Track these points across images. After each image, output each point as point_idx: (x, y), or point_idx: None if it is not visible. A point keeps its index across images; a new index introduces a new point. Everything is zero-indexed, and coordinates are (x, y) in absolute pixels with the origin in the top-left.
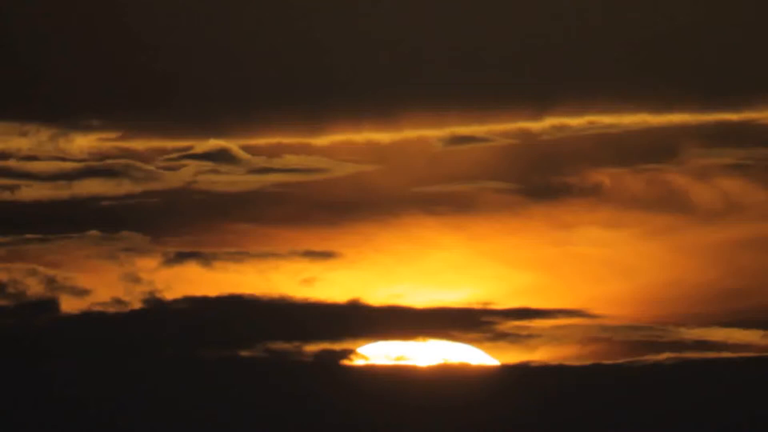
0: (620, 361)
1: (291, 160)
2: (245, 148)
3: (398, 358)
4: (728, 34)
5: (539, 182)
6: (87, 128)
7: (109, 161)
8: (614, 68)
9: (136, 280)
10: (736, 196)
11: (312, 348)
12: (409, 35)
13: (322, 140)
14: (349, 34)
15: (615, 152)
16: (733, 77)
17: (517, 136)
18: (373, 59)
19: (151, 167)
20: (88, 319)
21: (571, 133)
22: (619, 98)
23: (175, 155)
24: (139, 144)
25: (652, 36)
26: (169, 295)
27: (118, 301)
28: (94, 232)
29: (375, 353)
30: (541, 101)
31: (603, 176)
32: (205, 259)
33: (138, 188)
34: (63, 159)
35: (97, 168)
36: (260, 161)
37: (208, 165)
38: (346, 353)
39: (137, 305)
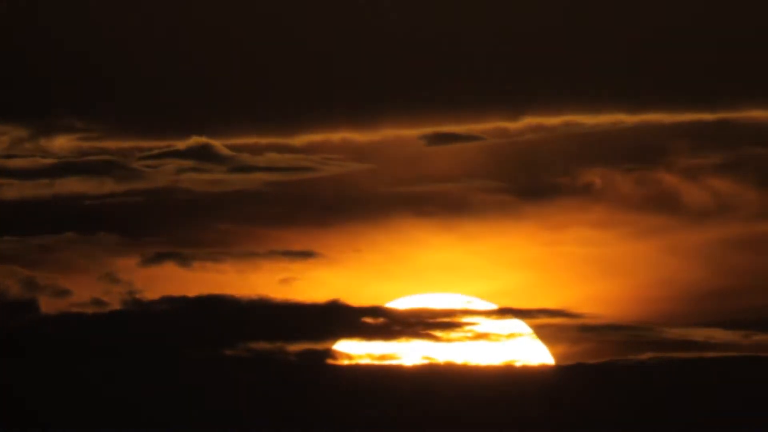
0: (604, 360)
1: (274, 158)
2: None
3: (381, 358)
4: (702, 35)
5: (529, 182)
6: (68, 128)
7: (91, 160)
8: (589, 68)
9: (116, 280)
10: (723, 197)
11: (294, 348)
12: (384, 35)
13: (300, 140)
14: (326, 35)
15: (602, 152)
16: (708, 78)
17: (496, 135)
18: (348, 59)
19: (133, 166)
20: (68, 319)
21: (553, 132)
22: (594, 98)
23: (156, 152)
24: (120, 143)
25: (626, 37)
26: (149, 296)
27: (97, 302)
28: (74, 232)
29: (358, 353)
30: (518, 101)
31: (592, 176)
32: (185, 258)
33: (120, 187)
34: (44, 157)
35: (78, 167)
36: (243, 159)
37: (189, 163)
38: (329, 353)
39: (117, 306)
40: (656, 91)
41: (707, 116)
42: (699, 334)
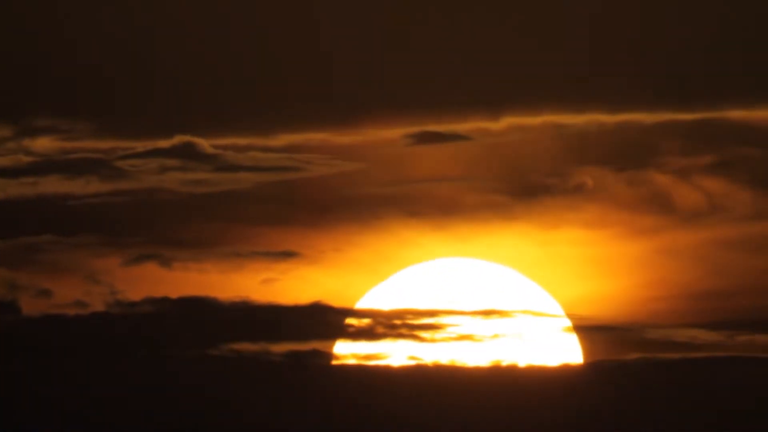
0: (590, 361)
1: (259, 157)
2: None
3: (366, 358)
4: (678, 35)
5: (519, 182)
6: (52, 128)
7: (74, 160)
8: (566, 68)
9: (98, 281)
10: (714, 197)
11: (279, 349)
12: (360, 36)
13: (283, 140)
14: (304, 36)
15: (592, 152)
16: (686, 78)
17: (478, 135)
18: (327, 61)
19: (116, 165)
20: (49, 321)
21: (539, 132)
22: (573, 98)
23: (140, 150)
24: (104, 142)
25: (602, 36)
26: (131, 297)
27: (79, 303)
28: (56, 233)
29: (343, 353)
30: (497, 101)
31: (583, 176)
32: (167, 259)
33: (104, 187)
34: (28, 156)
35: (62, 167)
36: (228, 158)
37: (174, 162)
38: (314, 354)
39: (99, 307)
40: (634, 91)
41: (686, 116)
42: (688, 334)
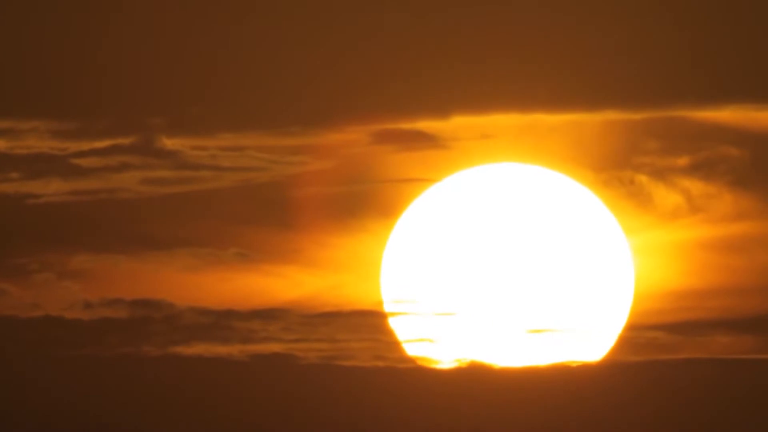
0: (555, 363)
1: (220, 156)
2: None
3: (332, 359)
4: (626, 34)
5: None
6: (10, 128)
7: (33, 159)
8: (509, 66)
9: (54, 282)
10: (685, 197)
11: (243, 349)
12: (308, 36)
13: (227, 140)
14: (254, 39)
15: (564, 151)
16: (633, 77)
17: (428, 135)
18: (271, 62)
19: (75, 164)
20: (2, 323)
21: (491, 131)
22: (516, 96)
23: (99, 148)
24: (63, 142)
25: (545, 35)
26: (87, 298)
27: (33, 305)
28: (13, 233)
29: (306, 355)
30: (444, 100)
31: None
32: (123, 261)
33: (63, 187)
34: None
35: (20, 166)
36: (189, 158)
37: (133, 161)
38: (279, 356)
39: (53, 310)
40: (577, 91)
41: (634, 116)
42: (650, 335)
